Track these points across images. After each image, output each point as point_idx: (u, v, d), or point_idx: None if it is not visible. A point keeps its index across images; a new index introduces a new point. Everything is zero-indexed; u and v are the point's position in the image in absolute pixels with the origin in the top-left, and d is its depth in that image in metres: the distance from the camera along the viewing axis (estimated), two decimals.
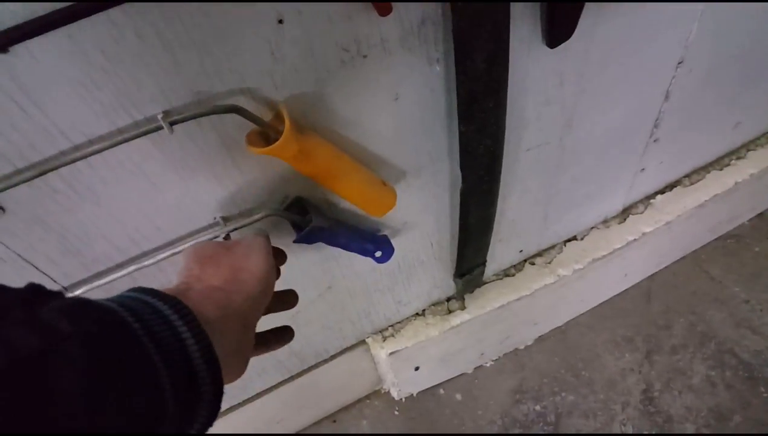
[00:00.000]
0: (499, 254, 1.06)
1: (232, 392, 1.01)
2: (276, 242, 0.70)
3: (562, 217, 1.06)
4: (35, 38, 0.40)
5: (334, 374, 1.10)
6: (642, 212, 1.15)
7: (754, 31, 0.88)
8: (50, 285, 0.61)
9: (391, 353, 1.06)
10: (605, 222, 1.15)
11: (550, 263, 1.12)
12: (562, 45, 0.68)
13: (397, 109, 0.64)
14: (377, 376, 1.21)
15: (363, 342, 1.09)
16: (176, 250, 0.62)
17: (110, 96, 0.47)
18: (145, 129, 0.48)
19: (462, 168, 0.74)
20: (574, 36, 0.67)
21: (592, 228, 1.15)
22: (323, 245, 0.71)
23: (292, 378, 1.07)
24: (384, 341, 1.07)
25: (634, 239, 1.12)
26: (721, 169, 1.18)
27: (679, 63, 0.84)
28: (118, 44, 0.44)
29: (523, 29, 0.64)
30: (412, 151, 0.71)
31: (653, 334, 1.25)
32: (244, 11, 0.47)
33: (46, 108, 0.45)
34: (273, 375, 1.04)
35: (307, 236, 0.68)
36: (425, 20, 0.57)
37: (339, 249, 0.74)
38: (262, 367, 0.99)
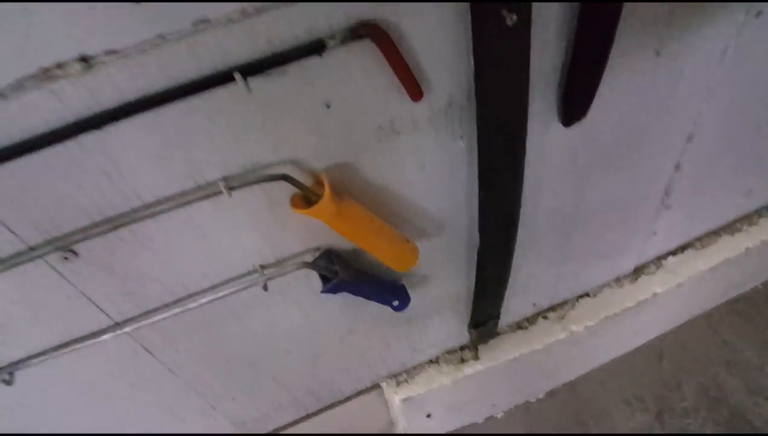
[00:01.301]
0: (513, 306, 1.11)
1: (250, 425, 1.06)
2: (305, 290, 0.77)
3: (576, 274, 1.11)
4: (125, 119, 0.49)
5: (348, 415, 1.15)
6: (654, 273, 1.19)
7: (764, 106, 0.94)
8: (105, 321, 0.68)
9: (404, 399, 1.10)
10: (617, 281, 1.20)
11: (562, 318, 1.16)
12: (576, 124, 0.75)
13: (423, 177, 0.71)
14: (390, 420, 1.25)
15: (378, 386, 1.13)
16: (218, 294, 0.69)
17: (180, 165, 0.54)
18: (207, 192, 0.56)
19: (480, 230, 0.80)
20: (587, 116, 0.74)
21: (605, 286, 1.19)
22: (346, 294, 0.78)
23: (308, 416, 1.11)
24: (398, 386, 1.12)
25: (646, 299, 1.16)
26: (732, 235, 1.22)
27: (689, 138, 0.90)
28: (191, 125, 0.52)
29: (541, 110, 0.71)
30: (434, 214, 0.78)
31: (664, 395, 1.27)
32: (298, 99, 0.55)
33: (126, 175, 0.53)
34: (290, 412, 1.08)
35: (333, 287, 0.74)
36: (452, 103, 0.64)
37: (359, 299, 0.80)
38: (279, 403, 1.04)
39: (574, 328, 1.14)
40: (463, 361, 1.14)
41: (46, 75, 0.45)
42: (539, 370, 1.20)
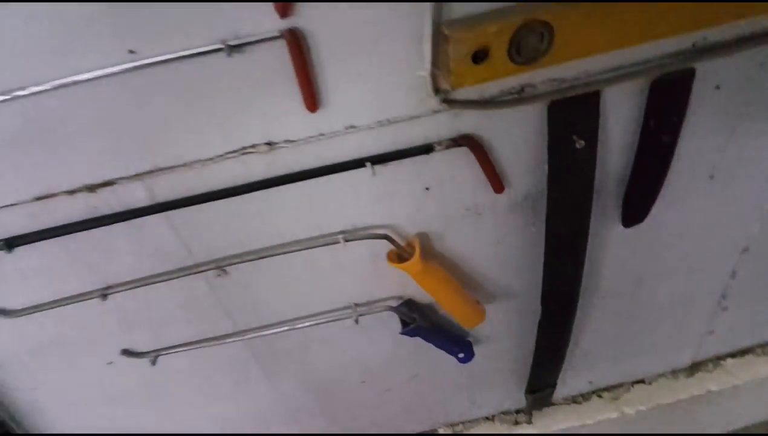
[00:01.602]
0: (570, 380, 1.20)
1: None
2: (386, 331, 0.93)
3: (632, 359, 1.19)
4: (287, 184, 0.69)
5: None
6: (711, 371, 1.24)
7: None
8: (231, 328, 0.88)
9: None
10: (674, 372, 1.25)
11: (616, 399, 1.23)
12: (636, 226, 0.87)
13: (497, 252, 0.86)
14: None
15: (435, 432, 1.25)
16: (319, 321, 0.87)
17: (314, 217, 0.74)
18: (329, 241, 0.75)
19: (542, 303, 0.93)
20: (646, 220, 0.87)
21: (661, 375, 1.26)
22: (420, 340, 0.93)
23: None
24: (454, 432, 1.23)
25: (700, 395, 1.21)
26: None
27: (744, 250, 0.99)
28: (329, 192, 0.71)
29: (605, 210, 0.84)
30: (504, 283, 0.92)
31: None
32: (407, 182, 0.73)
33: (275, 220, 0.73)
34: None
35: (410, 332, 0.90)
36: (527, 197, 0.80)
37: (430, 345, 0.95)
38: (346, 427, 1.19)
39: (626, 410, 1.21)
40: (516, 423, 1.24)
41: (243, 151, 0.65)
42: None
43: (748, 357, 1.26)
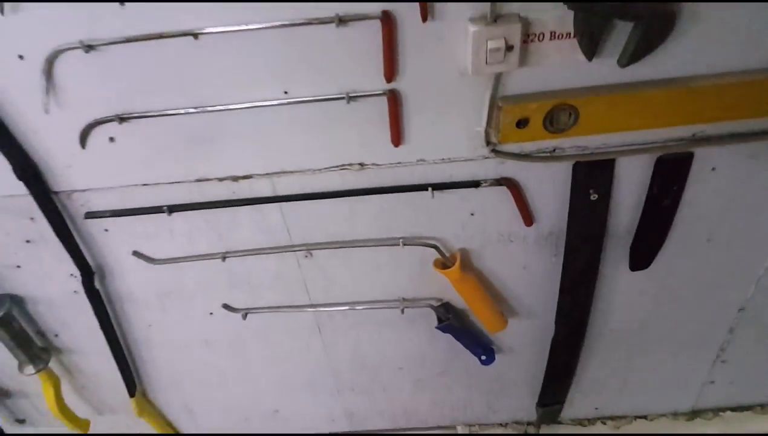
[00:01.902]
0: (578, 403, 1.38)
1: (354, 419, 1.44)
2: (423, 325, 1.16)
3: (636, 394, 1.36)
4: (372, 195, 0.94)
5: None
6: (710, 419, 1.38)
7: None
8: (305, 300, 1.13)
9: None
10: (674, 414, 1.40)
11: (618, 428, 1.40)
12: (642, 270, 1.06)
13: (522, 275, 1.08)
14: None
15: (454, 428, 1.45)
16: (374, 306, 1.11)
17: (382, 225, 0.98)
18: (390, 243, 0.99)
19: (556, 323, 1.13)
20: (651, 267, 1.06)
21: (662, 415, 1.41)
22: (451, 338, 1.15)
23: (393, 432, 1.46)
24: (470, 433, 1.43)
25: None
26: None
27: (741, 308, 1.16)
28: (398, 207, 0.96)
29: (615, 253, 1.04)
30: (525, 302, 1.13)
31: None
32: (458, 206, 0.96)
33: (355, 220, 0.98)
34: (385, 420, 1.44)
35: (444, 327, 1.12)
36: (551, 233, 1.01)
37: (459, 346, 1.17)
38: (380, 409, 1.41)
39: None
40: (526, 433, 1.42)
41: (342, 167, 0.91)
42: None
43: (747, 413, 1.39)
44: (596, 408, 1.40)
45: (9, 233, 1.02)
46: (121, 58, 0.79)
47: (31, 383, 1.31)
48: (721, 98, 0.79)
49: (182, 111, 0.84)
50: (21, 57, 0.79)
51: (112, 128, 0.86)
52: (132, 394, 1.28)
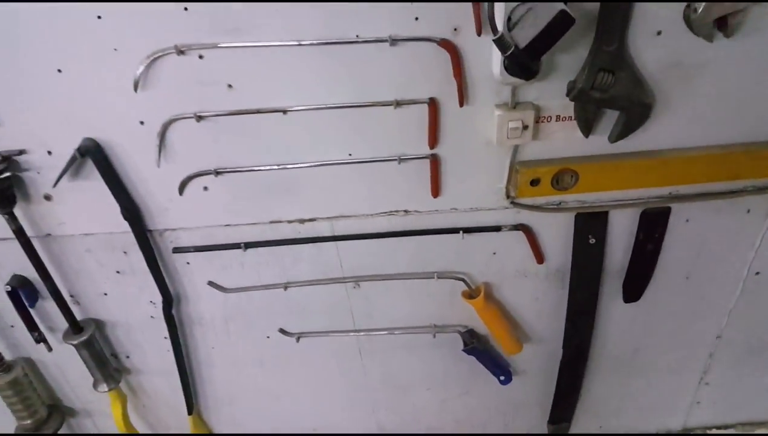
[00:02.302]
0: (583, 422, 1.56)
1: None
2: (449, 350, 1.35)
3: (633, 414, 1.54)
4: (412, 236, 1.16)
5: None
6: None
7: None
8: (350, 325, 1.33)
9: None
10: (668, 434, 1.59)
11: None
12: (633, 303, 1.27)
13: (535, 305, 1.29)
14: None
15: None
16: (409, 331, 1.31)
17: (417, 260, 1.20)
18: (424, 276, 1.20)
19: (563, 347, 1.33)
20: (641, 300, 1.27)
21: (657, 434, 1.59)
22: (473, 362, 1.34)
23: None
24: None
25: None
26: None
27: (718, 336, 1.36)
28: (433, 246, 1.17)
29: (611, 288, 1.25)
30: (536, 328, 1.33)
31: None
32: (482, 247, 1.18)
33: (396, 257, 1.19)
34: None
35: (469, 350, 1.32)
36: (558, 270, 1.22)
37: (480, 369, 1.36)
38: (406, 428, 1.58)
39: None
40: None
41: (390, 213, 1.13)
42: None
43: (731, 430, 1.58)
44: (600, 427, 1.58)
45: (103, 265, 1.22)
46: (224, 126, 1.01)
47: (95, 402, 1.49)
48: (688, 166, 1.02)
49: (266, 167, 1.06)
50: (142, 123, 1.01)
51: (208, 180, 1.08)
52: (190, 412, 1.45)
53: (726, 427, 1.59)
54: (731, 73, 0.92)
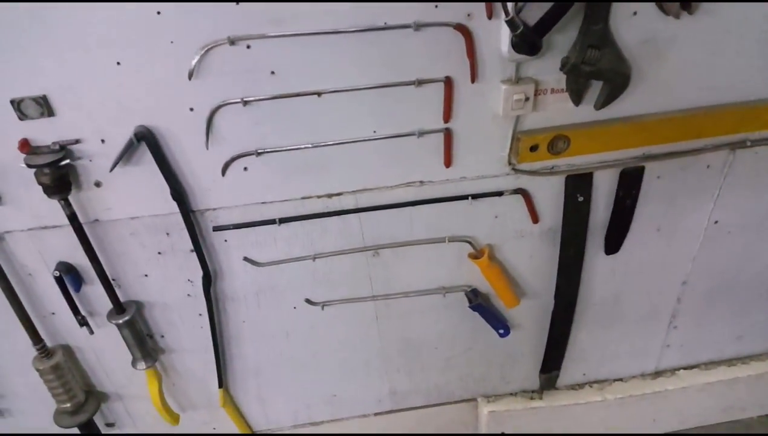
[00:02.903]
0: (570, 371, 1.75)
1: (397, 397, 1.75)
2: (456, 306, 1.51)
3: (614, 360, 1.74)
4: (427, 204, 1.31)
5: (450, 414, 1.80)
6: (668, 378, 1.78)
7: (737, 272, 1.59)
8: (368, 292, 1.47)
9: (490, 411, 1.75)
10: (642, 376, 1.80)
11: (602, 389, 1.77)
12: (613, 254, 1.47)
13: (531, 262, 1.47)
14: (475, 426, 1.85)
15: (474, 399, 1.79)
16: (422, 293, 1.46)
17: (433, 227, 1.36)
18: (436, 241, 1.36)
19: (555, 297, 1.52)
20: (620, 252, 1.47)
21: (633, 377, 1.80)
22: (476, 319, 1.51)
23: (427, 406, 1.78)
24: (488, 403, 1.77)
25: (660, 391, 1.75)
26: (729, 367, 1.79)
27: (684, 282, 1.58)
28: (450, 211, 1.34)
29: (595, 243, 1.45)
30: (533, 283, 1.51)
31: None
32: (485, 211, 1.35)
33: (414, 223, 1.35)
34: (420, 397, 1.76)
35: (474, 307, 1.49)
36: (551, 229, 1.41)
37: (482, 325, 1.53)
38: (417, 387, 1.73)
39: (608, 396, 1.75)
40: (531, 399, 1.78)
41: (407, 184, 1.29)
42: (579, 419, 1.79)
43: (695, 371, 1.80)
44: (584, 374, 1.78)
45: (145, 246, 1.32)
46: (265, 110, 1.14)
47: (128, 387, 1.58)
48: (659, 128, 1.23)
49: (302, 146, 1.20)
50: (192, 109, 1.13)
51: (249, 160, 1.21)
52: (221, 385, 1.55)
53: (691, 367, 1.81)
54: (694, 46, 1.13)
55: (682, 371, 1.81)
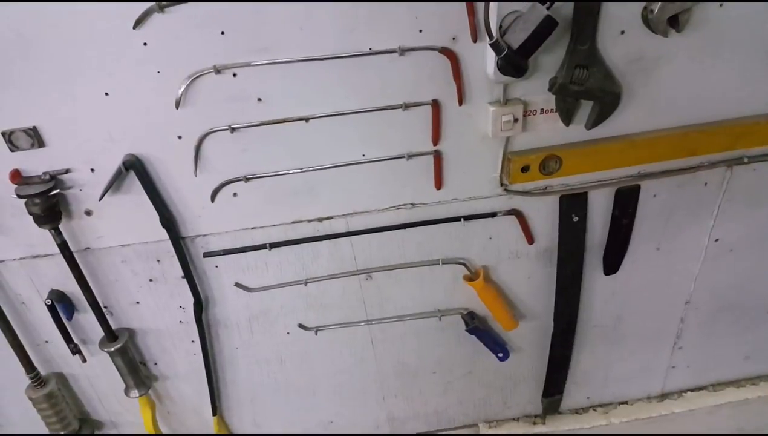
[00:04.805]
0: (573, 394, 1.71)
1: (395, 423, 1.72)
2: (452, 329, 1.48)
3: (618, 383, 1.70)
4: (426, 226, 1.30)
5: None
6: (675, 400, 1.73)
7: (740, 290, 1.55)
8: (363, 317, 1.45)
9: None
10: (648, 398, 1.75)
11: (606, 413, 1.73)
12: (612, 275, 1.45)
13: (528, 283, 1.44)
14: None
15: (476, 425, 1.75)
16: (417, 317, 1.44)
17: (424, 250, 1.34)
18: (430, 263, 1.34)
19: (554, 320, 1.49)
20: (619, 272, 1.44)
21: (639, 400, 1.75)
22: (474, 343, 1.48)
23: (426, 434, 1.75)
24: (489, 428, 1.73)
25: (668, 414, 1.70)
26: (737, 388, 1.74)
27: (687, 302, 1.55)
28: (443, 234, 1.32)
29: (593, 263, 1.42)
30: (529, 305, 1.49)
31: None
32: (478, 233, 1.33)
33: (406, 244, 1.33)
34: (420, 423, 1.73)
35: (472, 330, 1.46)
36: (547, 249, 1.39)
37: (481, 349, 1.50)
38: (416, 412, 1.70)
39: (613, 420, 1.71)
40: (534, 424, 1.74)
41: (398, 207, 1.28)
42: None
43: (703, 392, 1.75)
44: (588, 398, 1.74)
45: (137, 274, 1.31)
46: (253, 136, 1.14)
47: (122, 414, 1.56)
48: (653, 146, 1.21)
49: (291, 171, 1.19)
50: (179, 137, 1.13)
51: (238, 186, 1.20)
52: (215, 413, 1.54)
53: (699, 389, 1.77)
54: (683, 63, 1.11)
55: (689, 392, 1.76)
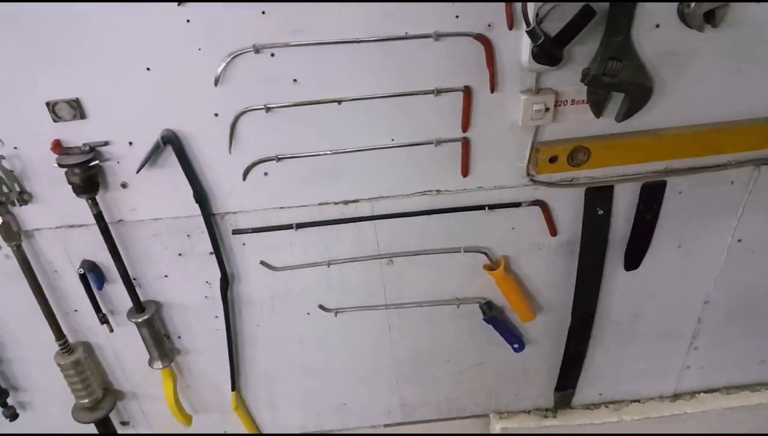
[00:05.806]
0: (586, 390, 1.72)
1: (407, 409, 1.74)
2: (468, 319, 1.50)
3: (631, 381, 1.71)
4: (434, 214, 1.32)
5: (460, 429, 1.78)
6: (688, 400, 1.74)
7: (763, 291, 1.55)
8: (382, 300, 1.47)
9: (502, 428, 1.73)
10: (661, 397, 1.76)
11: (618, 409, 1.74)
12: (632, 271, 1.45)
13: (547, 275, 1.45)
14: None
15: (486, 415, 1.77)
16: (435, 304, 1.46)
17: (445, 236, 1.36)
18: (450, 251, 1.36)
19: (572, 314, 1.50)
20: (640, 268, 1.45)
21: (651, 399, 1.76)
22: (489, 333, 1.50)
23: (437, 420, 1.77)
24: (500, 419, 1.75)
25: (680, 414, 1.71)
26: (752, 392, 1.74)
27: (706, 302, 1.55)
28: (468, 221, 1.34)
29: (614, 257, 1.43)
30: (548, 297, 1.50)
31: None
32: (500, 221, 1.35)
33: (428, 232, 1.35)
34: (431, 411, 1.75)
35: (489, 319, 1.48)
36: (569, 242, 1.40)
37: (496, 339, 1.51)
38: (428, 399, 1.72)
39: (624, 417, 1.71)
40: (545, 417, 1.75)
41: (424, 193, 1.29)
42: None
43: (716, 394, 1.76)
44: (600, 394, 1.75)
45: (167, 248, 1.35)
46: (286, 117, 1.16)
47: (144, 386, 1.60)
48: (681, 142, 1.22)
49: (321, 153, 1.22)
50: (216, 115, 1.16)
51: (269, 166, 1.23)
52: (234, 388, 1.57)
53: (712, 390, 1.77)
54: (717, 59, 1.12)
55: (702, 394, 1.77)
